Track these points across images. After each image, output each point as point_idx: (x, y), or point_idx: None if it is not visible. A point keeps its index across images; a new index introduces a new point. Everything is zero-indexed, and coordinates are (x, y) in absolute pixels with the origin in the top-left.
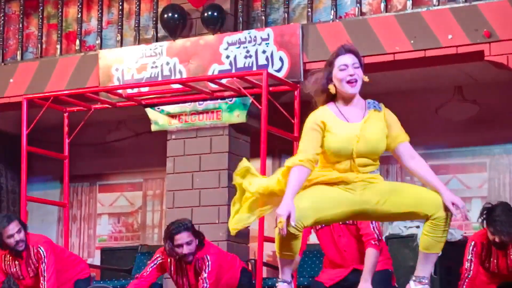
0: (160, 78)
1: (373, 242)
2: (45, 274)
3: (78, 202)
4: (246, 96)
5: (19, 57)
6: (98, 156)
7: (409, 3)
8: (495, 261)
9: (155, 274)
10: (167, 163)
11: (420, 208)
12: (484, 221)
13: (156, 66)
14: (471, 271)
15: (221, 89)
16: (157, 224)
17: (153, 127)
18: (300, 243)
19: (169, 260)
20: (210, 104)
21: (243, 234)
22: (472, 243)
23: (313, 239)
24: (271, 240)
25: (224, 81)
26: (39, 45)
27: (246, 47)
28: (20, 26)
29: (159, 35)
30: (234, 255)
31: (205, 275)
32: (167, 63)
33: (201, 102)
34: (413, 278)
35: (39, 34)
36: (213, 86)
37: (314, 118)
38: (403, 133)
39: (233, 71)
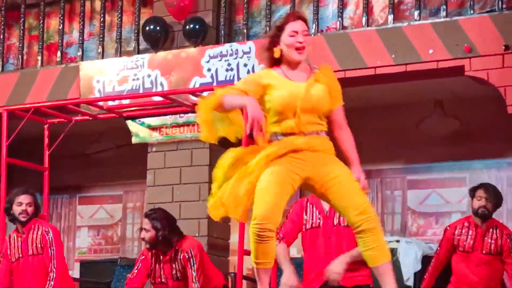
0: (141, 91)
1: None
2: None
3: (58, 214)
4: None
5: (0, 68)
6: (78, 168)
7: (390, 18)
8: (471, 242)
9: (143, 272)
10: (147, 176)
11: (347, 212)
12: (472, 198)
13: (138, 79)
14: (438, 252)
15: None
16: (137, 237)
17: (134, 140)
18: (275, 247)
19: (150, 254)
20: (191, 117)
21: (223, 247)
22: (448, 228)
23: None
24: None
25: (205, 94)
26: (20, 56)
27: (228, 60)
28: (1, 37)
29: (140, 47)
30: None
31: (194, 273)
32: (149, 76)
33: (182, 115)
34: None
35: (20, 45)
36: (195, 99)
37: (256, 76)
38: (340, 97)
39: (215, 84)
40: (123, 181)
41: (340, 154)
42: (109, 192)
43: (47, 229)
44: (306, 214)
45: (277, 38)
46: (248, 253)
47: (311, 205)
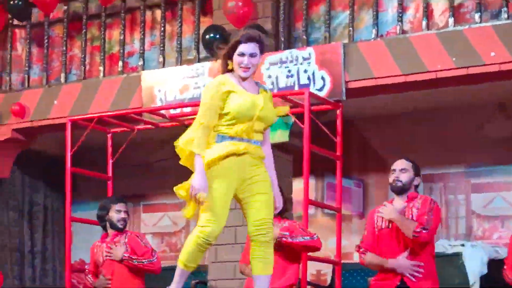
0: None
1: (420, 228)
2: None
3: None
4: (288, 116)
5: (63, 79)
6: (142, 176)
7: (451, 21)
8: None
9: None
10: None
11: (248, 220)
12: None
13: (199, 87)
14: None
15: None
16: None
17: None
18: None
19: None
20: None
21: None
22: None
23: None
24: (316, 259)
25: None
26: (82, 67)
27: (288, 67)
28: (64, 48)
29: (201, 56)
30: None
31: None
32: None
33: None
34: None
35: (83, 56)
36: None
37: (217, 87)
38: (276, 118)
39: (275, 90)
40: None
41: None
42: (172, 200)
43: (137, 235)
44: (376, 221)
45: (231, 54)
46: (312, 259)
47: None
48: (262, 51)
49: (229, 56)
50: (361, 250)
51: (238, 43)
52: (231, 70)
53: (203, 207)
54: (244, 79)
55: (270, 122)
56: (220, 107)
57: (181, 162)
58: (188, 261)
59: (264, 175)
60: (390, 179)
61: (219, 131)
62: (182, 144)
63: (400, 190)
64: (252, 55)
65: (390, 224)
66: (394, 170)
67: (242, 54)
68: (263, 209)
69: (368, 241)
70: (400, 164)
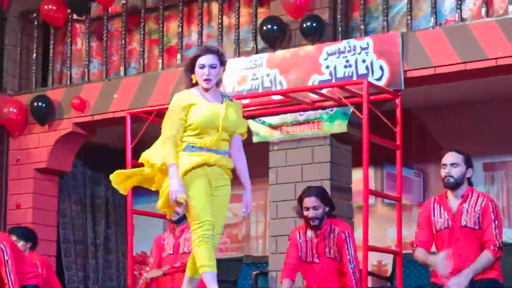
0: (260, 90)
1: (493, 247)
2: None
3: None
4: (347, 106)
5: (122, 73)
6: None
7: (510, 8)
8: None
9: (294, 254)
10: (269, 174)
11: None
12: None
13: (257, 78)
14: None
15: (321, 99)
16: (261, 235)
17: (255, 139)
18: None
19: (297, 233)
20: (311, 114)
21: None
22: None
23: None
24: (376, 249)
25: (324, 91)
26: (141, 60)
27: (346, 57)
28: (123, 42)
29: (258, 47)
30: None
31: (349, 256)
32: (268, 75)
33: (302, 113)
34: None
35: (141, 49)
36: (314, 96)
37: (179, 102)
38: (244, 127)
39: (333, 81)
40: None
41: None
42: (233, 191)
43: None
44: (434, 215)
45: (192, 67)
46: (373, 249)
47: (438, 206)
48: (222, 63)
49: (191, 71)
50: (413, 246)
51: (197, 56)
52: (196, 84)
53: (191, 210)
54: (207, 90)
55: (233, 131)
56: (184, 120)
57: (153, 188)
58: (209, 261)
59: (225, 190)
60: (442, 174)
61: (188, 142)
62: (151, 159)
63: (453, 186)
64: (211, 66)
65: (449, 224)
66: (445, 165)
67: (202, 66)
68: (218, 225)
69: (420, 237)
70: (450, 158)
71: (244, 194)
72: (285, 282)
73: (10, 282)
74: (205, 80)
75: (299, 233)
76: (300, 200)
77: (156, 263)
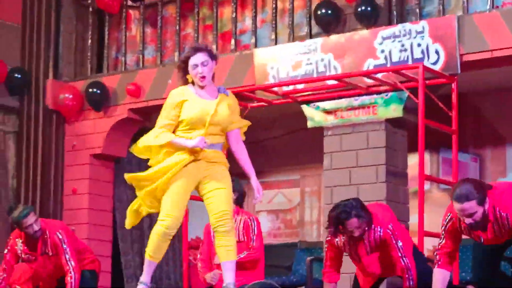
0: (315, 75)
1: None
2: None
3: None
4: (402, 90)
5: (176, 59)
6: (255, 154)
7: None
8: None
9: (333, 254)
10: (324, 160)
11: (210, 214)
12: None
13: (311, 63)
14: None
15: (376, 84)
16: (316, 221)
17: (309, 124)
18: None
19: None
20: (365, 99)
21: None
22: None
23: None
24: (432, 234)
25: (379, 75)
26: None
27: (401, 41)
28: (177, 28)
29: (313, 32)
30: None
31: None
32: (322, 60)
33: (356, 98)
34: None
35: (196, 35)
36: (369, 81)
37: (172, 99)
38: (240, 121)
39: (388, 65)
40: (300, 166)
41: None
42: (286, 176)
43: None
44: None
45: (185, 68)
46: (428, 234)
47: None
48: (213, 58)
49: (184, 71)
50: (436, 258)
51: (188, 57)
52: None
53: (164, 201)
54: (202, 87)
55: (225, 125)
56: (176, 115)
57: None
58: (153, 252)
59: (221, 172)
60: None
61: (179, 136)
62: (144, 143)
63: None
64: (203, 64)
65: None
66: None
67: (195, 66)
68: (222, 202)
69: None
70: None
71: (252, 181)
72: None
73: (71, 269)
74: (200, 78)
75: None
76: (341, 223)
77: (205, 252)
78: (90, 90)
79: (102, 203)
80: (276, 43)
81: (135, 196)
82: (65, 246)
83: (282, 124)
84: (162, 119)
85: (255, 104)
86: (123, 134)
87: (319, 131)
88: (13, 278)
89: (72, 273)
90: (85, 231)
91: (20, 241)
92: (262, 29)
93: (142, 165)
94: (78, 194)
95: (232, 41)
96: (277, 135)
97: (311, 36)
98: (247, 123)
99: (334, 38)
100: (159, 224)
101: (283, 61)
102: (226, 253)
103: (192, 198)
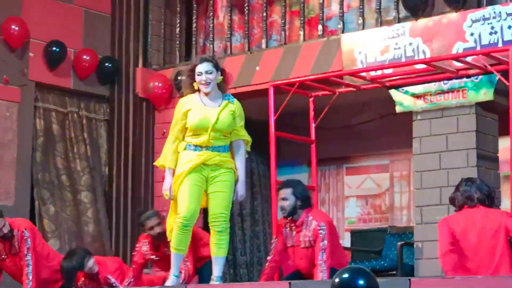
0: (403, 59)
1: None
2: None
3: (326, 185)
4: (492, 74)
5: (264, 45)
6: (344, 139)
7: None
8: None
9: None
10: (413, 144)
11: (209, 214)
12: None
13: (399, 47)
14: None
15: (466, 67)
16: (406, 206)
17: (398, 109)
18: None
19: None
20: (455, 83)
21: None
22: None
23: None
24: None
25: (469, 59)
26: (282, 32)
27: (491, 23)
28: (264, 14)
29: (400, 16)
30: None
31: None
32: (410, 44)
33: (446, 82)
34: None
35: (282, 21)
36: (458, 64)
37: (179, 108)
38: (243, 131)
39: (478, 48)
40: (389, 151)
41: None
42: (375, 161)
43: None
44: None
45: (192, 76)
46: None
47: None
48: (218, 69)
49: (191, 78)
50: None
51: (195, 66)
52: (198, 90)
53: (178, 202)
54: (207, 94)
55: (226, 130)
56: (180, 129)
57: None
58: (177, 245)
59: (223, 176)
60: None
61: (187, 141)
62: (160, 160)
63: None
64: (207, 72)
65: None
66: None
67: (200, 73)
68: (219, 205)
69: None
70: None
71: (237, 184)
72: None
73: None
74: (203, 84)
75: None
76: None
77: (279, 244)
78: (179, 77)
79: None
80: (363, 28)
81: None
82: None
83: (371, 109)
84: (171, 131)
85: (343, 89)
86: None
87: (408, 115)
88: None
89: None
90: None
91: (147, 241)
92: (349, 14)
93: None
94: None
95: (319, 27)
96: (365, 120)
97: (399, 20)
98: (249, 139)
99: (422, 22)
100: (178, 218)
101: (371, 46)
102: (217, 250)
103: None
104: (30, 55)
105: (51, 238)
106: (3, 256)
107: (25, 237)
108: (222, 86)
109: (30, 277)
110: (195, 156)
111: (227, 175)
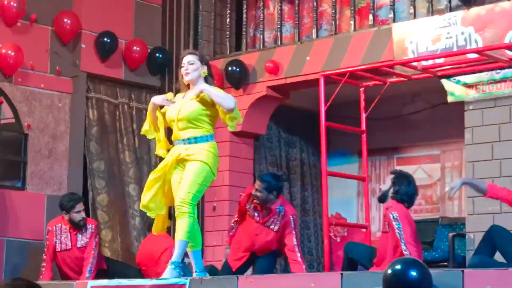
0: (455, 49)
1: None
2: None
3: (377, 176)
4: None
5: (314, 35)
6: (395, 129)
7: None
8: None
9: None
10: (465, 134)
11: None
12: None
13: (451, 37)
14: None
15: None
16: (457, 196)
17: (450, 98)
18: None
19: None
20: (508, 72)
21: None
22: None
23: None
24: None
25: None
26: (333, 22)
27: None
28: (314, 4)
29: (452, 4)
30: None
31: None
32: (462, 33)
33: (498, 71)
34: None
35: (333, 11)
36: (511, 53)
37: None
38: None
39: None
40: (440, 141)
41: None
42: (427, 152)
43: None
44: None
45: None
46: None
47: None
48: (202, 62)
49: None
50: None
51: (181, 59)
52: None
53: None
54: (189, 87)
55: (191, 118)
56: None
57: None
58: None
59: (190, 166)
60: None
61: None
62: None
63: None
64: (189, 63)
65: None
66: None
67: (183, 65)
68: (181, 191)
69: None
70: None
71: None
72: None
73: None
74: (184, 74)
75: None
76: None
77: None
78: (230, 68)
79: (243, 180)
80: (414, 17)
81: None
82: None
83: (422, 99)
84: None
85: (394, 79)
86: (262, 111)
87: (460, 105)
88: None
89: None
90: (226, 208)
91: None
92: (400, 3)
93: (282, 141)
94: (219, 171)
95: (370, 16)
96: (417, 110)
97: (450, 9)
98: (232, 115)
99: (474, 10)
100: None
101: (422, 35)
102: (180, 232)
103: (331, 173)
104: (82, 47)
105: (103, 229)
106: (68, 247)
107: (96, 233)
108: (208, 81)
109: (92, 269)
110: (169, 154)
111: (192, 165)
